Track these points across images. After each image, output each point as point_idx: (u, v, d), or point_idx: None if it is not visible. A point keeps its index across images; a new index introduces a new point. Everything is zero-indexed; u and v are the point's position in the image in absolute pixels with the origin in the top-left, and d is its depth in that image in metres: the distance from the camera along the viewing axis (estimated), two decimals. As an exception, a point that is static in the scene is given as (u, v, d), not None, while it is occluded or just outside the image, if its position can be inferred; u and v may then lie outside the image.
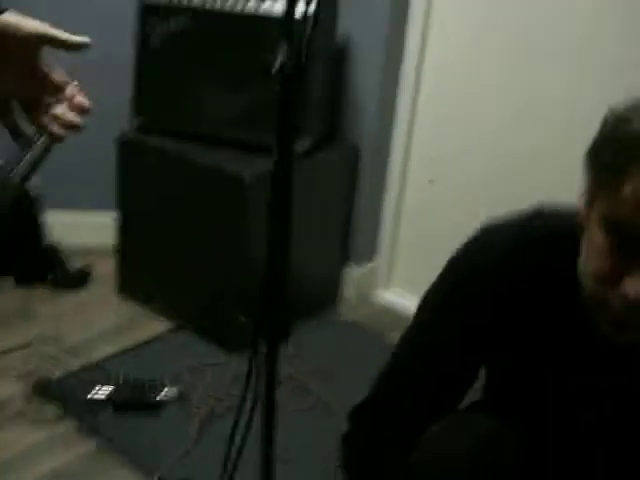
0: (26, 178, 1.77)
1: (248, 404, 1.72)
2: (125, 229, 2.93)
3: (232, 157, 2.56)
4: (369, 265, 3.12)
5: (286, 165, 1.50)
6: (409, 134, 2.96)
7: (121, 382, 2.44)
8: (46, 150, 1.50)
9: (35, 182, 2.91)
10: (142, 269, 2.97)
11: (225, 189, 2.53)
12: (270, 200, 1.54)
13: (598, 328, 1.03)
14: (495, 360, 1.24)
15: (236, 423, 1.70)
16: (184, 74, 2.65)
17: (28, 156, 1.66)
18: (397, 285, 3.08)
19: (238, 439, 1.73)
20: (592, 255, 0.99)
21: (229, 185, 2.51)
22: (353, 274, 3.09)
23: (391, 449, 1.24)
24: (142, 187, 2.81)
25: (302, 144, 2.59)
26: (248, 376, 1.49)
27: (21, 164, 1.69)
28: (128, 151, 2.78)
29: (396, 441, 1.24)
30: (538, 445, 1.22)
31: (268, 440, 1.70)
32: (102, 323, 2.86)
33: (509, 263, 1.15)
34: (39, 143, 1.23)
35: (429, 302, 1.26)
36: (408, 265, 3.03)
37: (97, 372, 2.53)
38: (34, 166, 1.73)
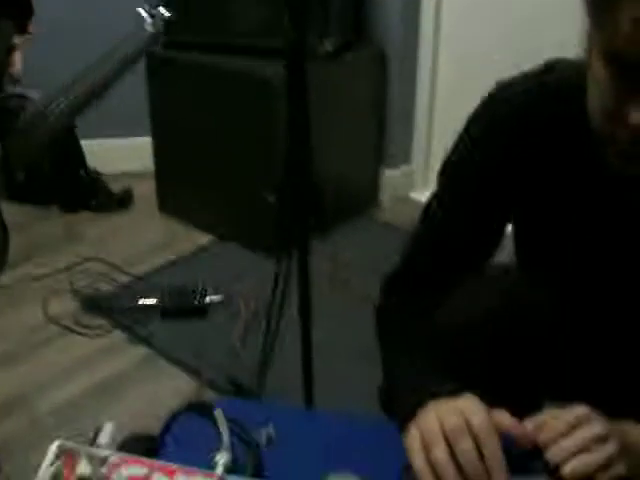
0: (67, 117, 1.80)
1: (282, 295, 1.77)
2: (160, 147, 2.97)
3: (258, 63, 2.57)
4: (405, 167, 3.12)
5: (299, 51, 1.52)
6: (436, 32, 2.93)
7: (167, 291, 2.51)
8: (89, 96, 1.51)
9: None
10: (180, 186, 3.02)
11: (253, 93, 2.57)
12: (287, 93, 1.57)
13: (611, 170, 1.03)
14: (516, 214, 1.25)
15: (269, 316, 1.75)
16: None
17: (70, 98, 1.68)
18: (433, 186, 3.07)
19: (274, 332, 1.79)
20: (596, 91, 0.99)
21: (257, 89, 2.54)
22: (389, 177, 3.11)
23: (421, 314, 1.26)
24: (172, 102, 2.85)
25: (327, 45, 2.59)
26: (278, 259, 1.53)
27: (62, 105, 1.71)
28: (156, 67, 2.82)
29: (425, 305, 1.27)
30: (562, 298, 1.24)
31: (305, 325, 1.75)
32: (145, 240, 2.94)
33: (525, 115, 1.15)
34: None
35: (447, 164, 1.27)
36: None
37: (143, 284, 2.62)
38: (75, 109, 1.75)
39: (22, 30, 2.20)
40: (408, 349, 1.23)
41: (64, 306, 2.53)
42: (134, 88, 2.92)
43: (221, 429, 1.02)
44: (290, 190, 1.57)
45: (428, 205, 1.33)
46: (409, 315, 1.28)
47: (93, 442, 0.97)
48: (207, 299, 2.46)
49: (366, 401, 1.40)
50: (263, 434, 1.11)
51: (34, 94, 2.68)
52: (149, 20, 1.75)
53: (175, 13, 1.79)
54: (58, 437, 1.15)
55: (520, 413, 1.06)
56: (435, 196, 1.31)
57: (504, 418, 1.01)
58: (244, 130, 2.66)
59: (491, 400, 1.06)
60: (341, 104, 2.78)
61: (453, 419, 0.99)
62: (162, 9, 1.75)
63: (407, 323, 1.27)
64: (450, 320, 1.23)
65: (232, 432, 1.05)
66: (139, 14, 1.78)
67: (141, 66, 2.80)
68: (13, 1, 2.04)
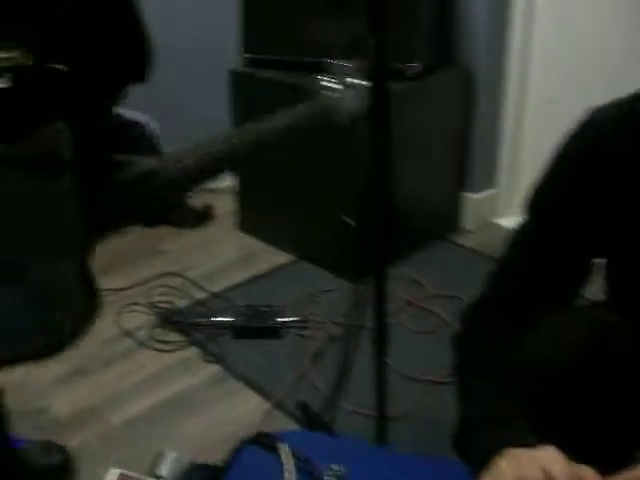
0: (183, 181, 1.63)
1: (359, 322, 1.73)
2: (242, 165, 2.96)
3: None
4: (489, 191, 3.05)
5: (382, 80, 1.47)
6: (525, 53, 2.85)
7: (242, 309, 2.48)
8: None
9: (152, 124, 2.94)
10: (260, 204, 3.01)
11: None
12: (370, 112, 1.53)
13: None
14: (607, 244, 1.19)
15: (346, 343, 1.71)
16: (289, 4, 2.65)
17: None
18: (518, 211, 2.99)
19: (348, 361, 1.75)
20: None
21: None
22: (472, 201, 3.03)
23: (503, 346, 1.21)
24: (255, 120, 2.83)
25: (413, 67, 2.55)
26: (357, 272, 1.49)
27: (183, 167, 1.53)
28: (239, 85, 2.81)
29: (510, 334, 1.22)
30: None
31: (381, 353, 1.71)
32: (224, 257, 2.93)
33: (618, 139, 1.11)
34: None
35: (537, 191, 1.23)
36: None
37: (219, 301, 2.60)
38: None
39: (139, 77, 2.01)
40: (491, 378, 1.18)
41: (139, 320, 2.53)
42: (214, 105, 2.93)
43: (285, 465, 0.98)
44: (370, 214, 1.53)
45: (516, 231, 1.29)
46: (493, 343, 1.23)
47: (153, 470, 0.94)
48: (282, 320, 2.43)
49: (439, 432, 1.34)
50: (332, 472, 1.07)
51: (140, 116, 2.67)
52: (343, 90, 1.63)
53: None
54: (125, 452, 1.13)
55: (609, 463, 0.99)
56: (523, 221, 1.27)
57: (587, 473, 0.94)
58: (326, 150, 2.63)
59: (574, 448, 0.99)
60: (425, 126, 2.73)
61: (531, 471, 0.92)
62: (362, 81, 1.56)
63: (491, 351, 1.23)
64: (535, 352, 1.17)
65: (299, 468, 1.01)
66: (321, 83, 1.64)
67: (224, 83, 2.80)
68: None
